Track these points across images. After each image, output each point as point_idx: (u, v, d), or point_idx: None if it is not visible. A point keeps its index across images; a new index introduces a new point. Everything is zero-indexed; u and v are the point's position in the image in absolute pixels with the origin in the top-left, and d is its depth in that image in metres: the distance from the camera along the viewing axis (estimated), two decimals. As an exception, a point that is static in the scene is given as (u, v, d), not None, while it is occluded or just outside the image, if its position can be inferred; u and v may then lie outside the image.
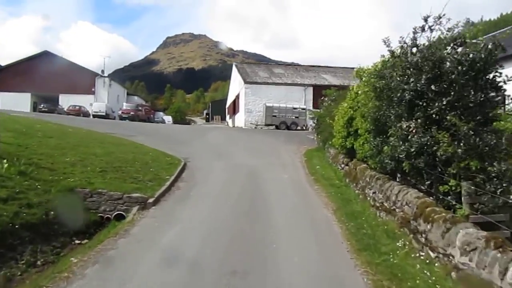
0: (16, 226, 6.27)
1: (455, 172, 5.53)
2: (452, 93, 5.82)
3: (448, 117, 5.67)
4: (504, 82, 5.82)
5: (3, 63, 42.24)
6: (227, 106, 50.26)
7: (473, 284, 4.05)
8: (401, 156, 6.37)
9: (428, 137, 5.89)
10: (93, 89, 41.21)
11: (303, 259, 5.53)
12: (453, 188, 5.51)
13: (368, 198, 8.32)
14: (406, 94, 6.40)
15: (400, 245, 5.78)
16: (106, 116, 34.87)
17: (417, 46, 6.84)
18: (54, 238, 6.85)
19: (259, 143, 20.41)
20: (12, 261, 5.76)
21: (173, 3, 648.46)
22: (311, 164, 14.08)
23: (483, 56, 5.62)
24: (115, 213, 8.18)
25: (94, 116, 34.97)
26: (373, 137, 7.93)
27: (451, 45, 6.10)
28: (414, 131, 6.17)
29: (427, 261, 5.07)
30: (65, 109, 35.95)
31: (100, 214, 8.22)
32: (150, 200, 8.45)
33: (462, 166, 5.43)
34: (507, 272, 3.56)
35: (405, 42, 6.99)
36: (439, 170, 5.85)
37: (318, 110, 20.01)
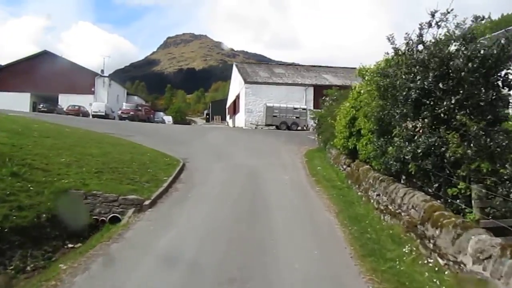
0: (5, 230, 6.03)
1: (465, 174, 5.28)
2: (461, 91, 5.57)
3: (457, 117, 5.42)
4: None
5: (4, 63, 42.12)
6: (227, 106, 49.97)
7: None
8: (407, 157, 6.11)
9: (436, 137, 5.64)
10: (92, 89, 40.98)
11: (304, 265, 5.26)
12: (463, 191, 5.27)
13: (372, 201, 8.05)
14: (412, 93, 6.13)
15: (406, 251, 5.51)
16: (105, 116, 34.60)
17: (423, 43, 6.58)
18: (45, 242, 6.61)
19: (260, 143, 20.18)
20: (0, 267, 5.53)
21: (174, 3, 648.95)
22: (312, 165, 13.82)
23: (495, 52, 5.35)
24: (110, 216, 7.89)
25: (93, 116, 34.71)
26: (377, 137, 7.67)
27: (460, 41, 5.82)
28: (420, 131, 5.92)
29: (436, 269, 4.79)
30: (65, 109, 35.75)
31: (95, 217, 7.92)
32: (147, 202, 8.20)
33: (472, 168, 5.18)
34: (526, 283, 3.30)
35: (410, 39, 6.73)
36: (448, 172, 5.58)
37: (319, 110, 19.80)
